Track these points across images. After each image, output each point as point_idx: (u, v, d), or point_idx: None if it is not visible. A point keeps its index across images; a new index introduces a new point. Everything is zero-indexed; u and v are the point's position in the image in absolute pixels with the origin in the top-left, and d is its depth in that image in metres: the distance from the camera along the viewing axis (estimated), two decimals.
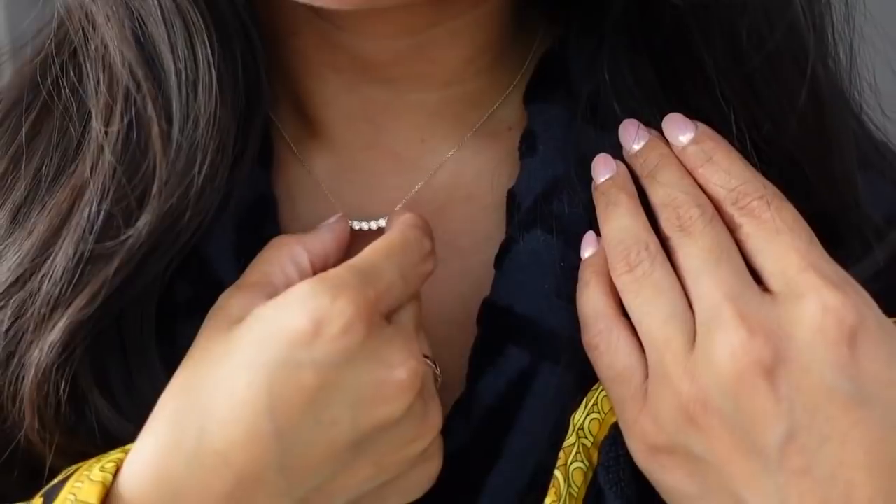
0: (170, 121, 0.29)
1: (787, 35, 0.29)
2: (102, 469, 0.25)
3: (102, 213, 0.28)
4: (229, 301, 0.27)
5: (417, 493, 0.28)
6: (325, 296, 0.24)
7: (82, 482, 0.25)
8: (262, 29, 0.31)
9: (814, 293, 0.25)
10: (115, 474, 0.25)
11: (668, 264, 0.27)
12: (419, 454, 0.27)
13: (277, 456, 0.24)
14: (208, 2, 0.29)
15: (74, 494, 0.24)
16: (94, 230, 0.28)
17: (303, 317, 0.24)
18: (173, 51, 0.29)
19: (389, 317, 0.27)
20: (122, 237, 0.28)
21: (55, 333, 0.27)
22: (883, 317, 0.25)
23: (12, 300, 0.28)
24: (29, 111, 0.31)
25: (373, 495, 0.27)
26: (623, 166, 0.30)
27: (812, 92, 0.29)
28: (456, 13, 0.32)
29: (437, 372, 0.29)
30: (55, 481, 0.26)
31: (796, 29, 0.29)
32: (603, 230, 0.29)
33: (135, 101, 0.29)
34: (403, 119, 0.34)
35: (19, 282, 0.28)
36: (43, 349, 0.27)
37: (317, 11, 0.31)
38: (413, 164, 0.34)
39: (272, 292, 0.27)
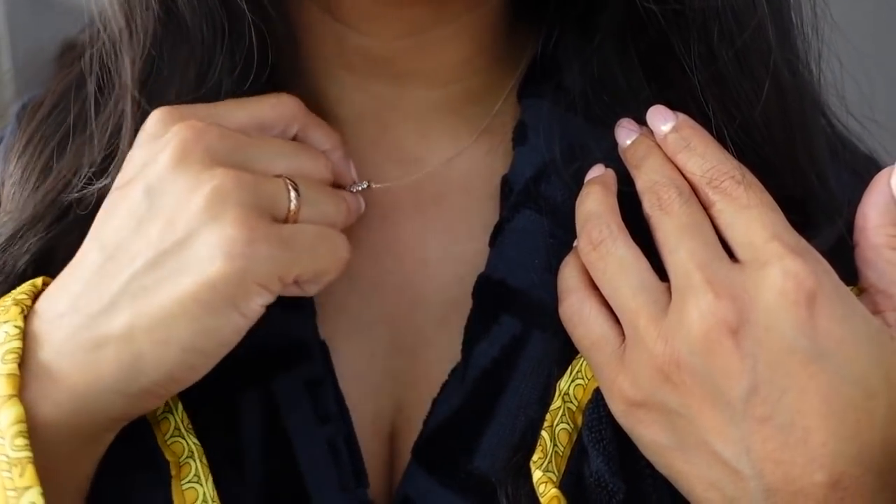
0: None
1: (754, 34, 0.31)
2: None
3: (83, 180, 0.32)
4: None
5: (216, 263, 0.26)
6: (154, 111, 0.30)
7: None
8: (279, 31, 0.33)
9: (777, 260, 0.27)
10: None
11: (631, 242, 0.30)
12: (205, 208, 0.26)
13: (97, 226, 0.29)
14: (234, 9, 0.32)
15: None
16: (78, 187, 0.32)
17: None
18: (192, 50, 0.32)
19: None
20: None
21: (30, 253, 0.32)
22: (839, 281, 0.28)
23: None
24: (72, 106, 0.35)
25: (171, 259, 0.27)
26: (610, 170, 0.33)
27: (775, 84, 0.32)
28: (457, 13, 0.35)
29: (291, 191, 0.29)
30: None
31: (762, 29, 0.31)
32: (576, 215, 0.32)
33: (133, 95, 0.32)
34: (407, 116, 0.37)
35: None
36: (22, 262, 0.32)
37: (329, 10, 0.34)
38: (415, 158, 0.37)
39: None
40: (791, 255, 0.27)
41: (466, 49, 0.36)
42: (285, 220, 0.29)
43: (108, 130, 0.33)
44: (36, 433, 0.26)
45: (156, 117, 0.30)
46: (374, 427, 0.34)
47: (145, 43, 0.32)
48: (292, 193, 0.29)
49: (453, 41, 0.35)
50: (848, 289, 0.28)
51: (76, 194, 0.32)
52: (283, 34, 0.33)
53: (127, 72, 0.32)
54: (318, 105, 0.36)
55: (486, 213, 0.35)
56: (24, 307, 0.28)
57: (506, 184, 0.35)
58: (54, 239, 0.32)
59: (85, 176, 0.32)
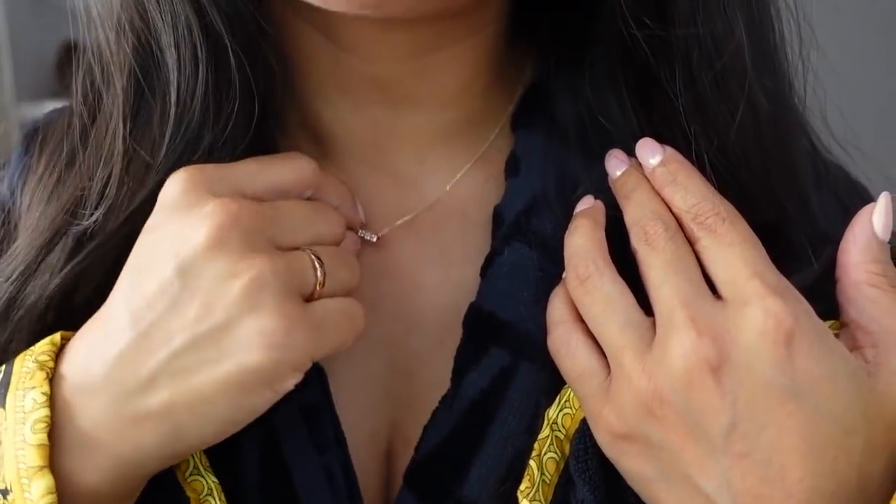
0: (158, 141, 0.33)
1: (731, 59, 0.32)
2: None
3: (92, 206, 0.33)
4: None
5: (256, 353, 0.27)
6: (174, 174, 0.31)
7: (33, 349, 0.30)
8: (268, 57, 0.34)
9: (757, 300, 0.28)
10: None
11: (617, 277, 0.31)
12: (244, 298, 0.27)
13: (128, 291, 0.29)
14: (238, 34, 0.33)
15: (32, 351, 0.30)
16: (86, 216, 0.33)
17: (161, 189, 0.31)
18: (180, 67, 0.32)
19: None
20: (93, 226, 0.33)
21: (50, 288, 0.32)
22: (818, 320, 0.28)
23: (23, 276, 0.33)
24: (74, 132, 0.36)
25: (210, 344, 0.28)
26: (599, 202, 0.34)
27: (751, 108, 0.32)
28: (454, 39, 0.35)
29: (318, 267, 0.30)
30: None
31: (739, 54, 0.32)
32: (564, 248, 0.33)
33: (124, 119, 0.33)
34: (404, 141, 0.38)
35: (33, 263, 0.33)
36: (44, 298, 0.32)
37: (331, 37, 0.35)
38: (412, 183, 0.37)
39: None
40: (771, 295, 0.28)
41: (464, 75, 0.37)
42: (311, 295, 0.30)
43: (101, 161, 0.34)
44: (76, 499, 0.28)
45: (182, 185, 0.30)
46: (370, 447, 0.35)
47: (130, 74, 0.33)
48: (318, 270, 0.30)
49: (451, 66, 0.36)
50: (827, 327, 0.29)
51: (85, 223, 0.33)
52: (273, 59, 0.34)
53: (117, 101, 0.34)
54: (312, 127, 0.37)
55: (480, 241, 0.36)
56: (49, 370, 0.29)
57: (497, 214, 0.36)
58: (72, 273, 0.33)
59: (90, 207, 0.33)
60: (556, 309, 0.32)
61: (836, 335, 0.31)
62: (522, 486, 0.31)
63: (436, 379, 0.34)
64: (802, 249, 0.33)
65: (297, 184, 0.32)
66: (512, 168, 0.36)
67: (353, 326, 0.31)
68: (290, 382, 0.29)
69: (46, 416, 0.28)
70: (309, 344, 0.28)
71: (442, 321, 0.36)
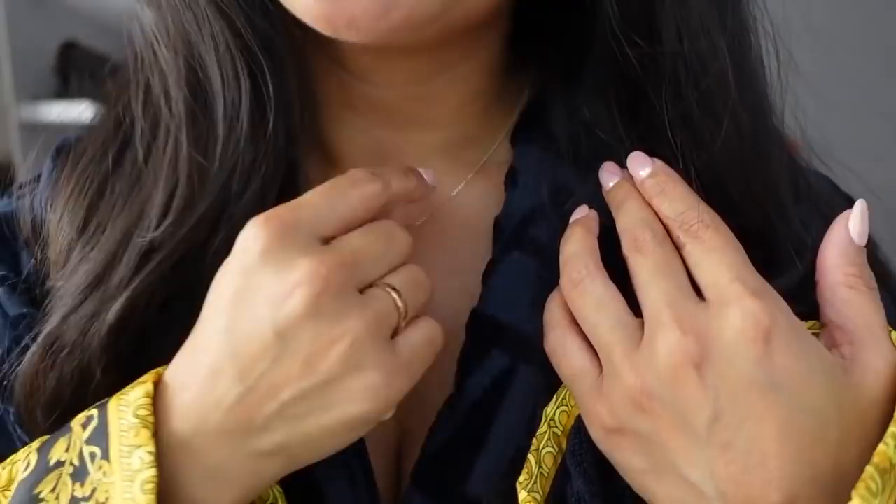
0: (210, 152, 0.35)
1: (716, 79, 0.34)
2: (156, 370, 0.32)
3: (156, 218, 0.34)
4: None
5: (364, 404, 0.30)
6: (253, 224, 0.31)
7: (139, 380, 0.31)
8: (293, 79, 0.36)
9: (737, 301, 0.30)
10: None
11: (608, 281, 0.33)
12: (345, 359, 0.30)
13: (229, 346, 0.30)
14: (270, 55, 0.35)
15: (136, 381, 0.31)
16: (149, 231, 0.34)
17: (238, 242, 0.31)
18: (225, 95, 0.35)
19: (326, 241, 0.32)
20: (161, 239, 0.34)
21: (117, 305, 0.33)
22: (795, 320, 0.30)
23: (90, 293, 0.34)
24: (111, 147, 0.37)
25: (316, 397, 0.30)
26: (593, 211, 0.36)
27: (734, 124, 0.34)
28: (453, 64, 0.38)
29: (400, 299, 0.32)
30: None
31: (723, 74, 0.34)
32: (559, 255, 0.35)
33: (182, 126, 0.35)
34: (409, 157, 0.40)
35: (101, 277, 0.34)
36: (108, 318, 0.33)
37: (337, 62, 0.37)
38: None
39: None
40: (750, 296, 0.30)
41: (463, 96, 0.39)
42: (397, 329, 0.32)
43: (163, 174, 0.35)
44: None
45: (266, 240, 0.30)
46: (382, 447, 0.37)
47: (185, 90, 0.35)
48: (400, 306, 0.32)
49: (451, 90, 0.39)
50: (804, 326, 0.31)
51: (150, 236, 0.34)
52: (297, 81, 0.36)
53: (178, 114, 0.35)
54: (323, 144, 0.40)
55: (481, 249, 0.38)
56: (151, 426, 0.30)
57: (497, 224, 0.38)
58: (140, 287, 0.34)
59: (154, 220, 0.35)
60: (552, 312, 0.34)
61: (817, 334, 0.33)
62: (521, 478, 0.32)
63: (441, 381, 0.36)
64: (784, 254, 0.35)
65: (367, 211, 0.33)
66: (511, 181, 0.38)
67: (435, 349, 0.33)
68: (388, 416, 0.32)
69: (154, 475, 0.29)
70: (404, 384, 0.31)
71: (446, 325, 0.37)
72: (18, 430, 0.35)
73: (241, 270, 0.31)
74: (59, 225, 0.37)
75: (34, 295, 0.37)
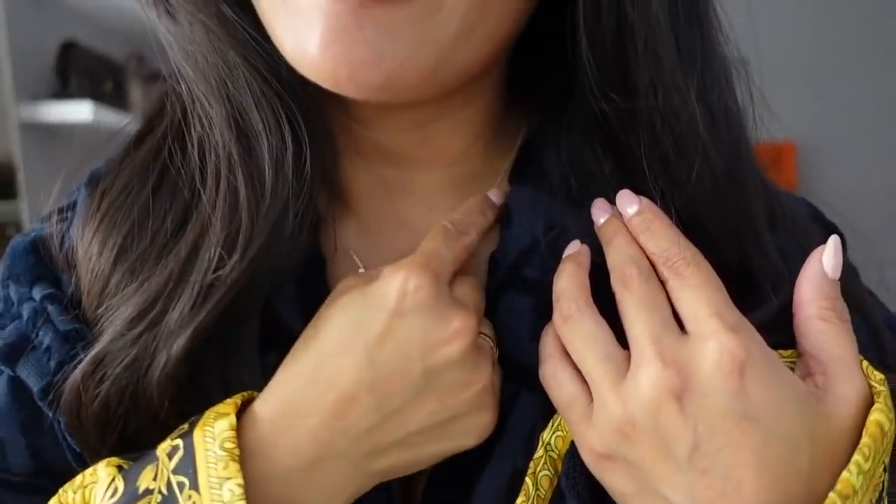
0: (261, 186, 0.37)
1: (687, 126, 0.36)
2: (232, 400, 0.34)
3: (216, 255, 0.36)
4: (347, 283, 0.37)
5: (471, 439, 0.36)
6: (404, 271, 0.35)
7: (216, 410, 0.34)
8: (316, 123, 0.39)
9: (714, 336, 0.32)
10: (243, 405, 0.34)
11: (597, 316, 0.35)
12: (473, 400, 0.35)
13: (369, 379, 0.34)
14: (299, 102, 0.37)
15: (215, 411, 0.33)
16: (210, 268, 0.36)
17: (391, 285, 0.34)
18: (268, 137, 0.37)
19: (451, 286, 0.37)
20: (226, 274, 0.36)
21: (182, 339, 0.35)
22: (768, 351, 0.33)
23: (146, 321, 0.36)
24: (149, 180, 0.39)
25: (437, 430, 0.35)
26: (585, 246, 0.38)
27: (707, 166, 0.37)
28: (453, 110, 0.40)
29: (493, 345, 0.37)
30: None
31: (693, 122, 0.36)
32: (553, 290, 0.37)
33: (233, 169, 0.37)
34: (414, 194, 0.42)
35: (153, 307, 0.36)
36: (173, 351, 0.35)
37: (343, 108, 0.39)
38: (422, 230, 0.41)
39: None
40: (727, 331, 0.32)
41: (464, 139, 0.42)
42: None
43: (220, 217, 0.37)
44: None
45: (426, 288, 0.34)
46: None
47: (233, 133, 0.37)
48: (495, 350, 0.38)
49: (452, 133, 0.41)
50: (778, 358, 0.33)
51: (212, 275, 0.36)
52: (317, 126, 0.39)
53: (230, 160, 0.37)
54: (334, 182, 0.42)
55: (481, 281, 0.40)
56: (235, 457, 0.32)
57: (494, 261, 0.40)
58: (203, 324, 0.35)
59: (214, 254, 0.36)
60: (546, 344, 0.36)
61: (794, 363, 0.35)
62: (519, 500, 0.35)
63: None
64: (761, 287, 0.37)
65: (466, 258, 0.39)
66: (506, 221, 0.41)
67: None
68: None
69: None
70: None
71: None
72: (69, 439, 0.37)
73: (397, 313, 0.34)
74: (89, 255, 0.38)
75: (76, 315, 0.39)
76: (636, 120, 0.37)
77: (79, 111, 1.67)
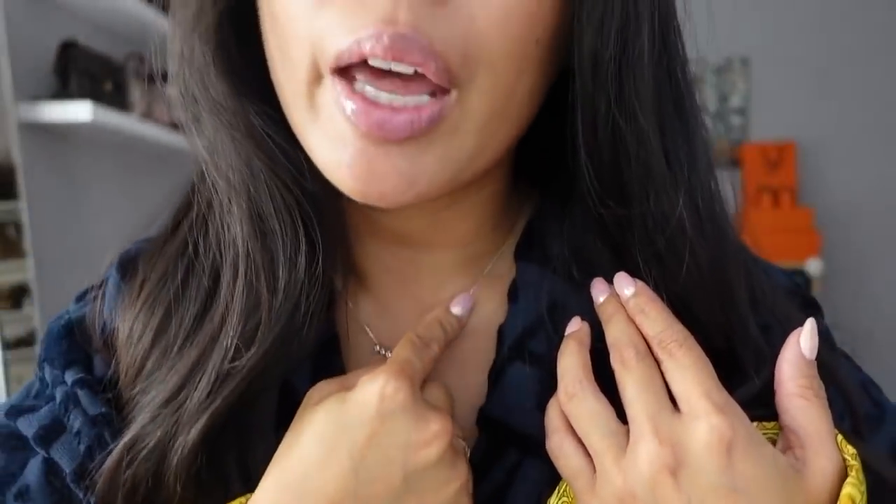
0: (274, 283, 0.40)
1: (676, 227, 0.40)
2: None
3: (233, 346, 0.39)
4: (320, 390, 0.40)
5: None
6: (382, 376, 0.37)
7: None
8: (331, 213, 0.41)
9: (704, 416, 0.36)
10: None
11: (599, 394, 0.38)
12: (452, 499, 0.37)
13: (353, 487, 0.36)
14: (316, 205, 0.40)
15: None
16: (226, 357, 0.39)
17: (371, 390, 0.37)
18: (283, 238, 0.40)
19: (423, 391, 0.39)
20: (242, 364, 0.39)
21: (199, 425, 0.38)
22: (754, 431, 0.36)
23: (170, 406, 0.39)
24: (178, 270, 0.42)
25: None
26: (585, 324, 0.42)
27: (694, 260, 0.40)
28: (464, 197, 0.43)
29: (465, 446, 0.40)
30: None
31: (681, 223, 0.40)
32: (557, 366, 0.40)
33: (249, 266, 0.40)
34: (425, 273, 0.46)
35: (178, 393, 0.39)
36: (190, 437, 0.38)
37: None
38: (434, 307, 0.45)
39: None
40: (716, 413, 0.36)
41: (475, 222, 0.45)
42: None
43: (237, 311, 0.39)
44: None
45: (405, 392, 0.37)
46: None
47: (251, 226, 0.40)
48: (467, 452, 0.40)
49: (464, 218, 0.45)
50: (761, 435, 0.37)
51: (229, 364, 0.39)
52: (332, 214, 0.42)
53: (248, 258, 0.40)
54: (351, 260, 0.45)
55: (489, 352, 0.44)
56: None
57: (501, 334, 0.44)
58: (220, 409, 0.38)
59: (231, 344, 0.39)
60: (552, 419, 0.40)
61: (777, 434, 0.39)
62: None
63: None
64: (745, 367, 0.41)
65: (440, 353, 0.42)
66: (513, 295, 0.44)
67: None
68: None
69: None
70: None
71: (459, 420, 0.43)
72: None
73: (379, 416, 0.36)
74: (130, 339, 0.42)
75: (108, 397, 0.42)
76: (631, 223, 0.40)
77: (78, 111, 1.67)
